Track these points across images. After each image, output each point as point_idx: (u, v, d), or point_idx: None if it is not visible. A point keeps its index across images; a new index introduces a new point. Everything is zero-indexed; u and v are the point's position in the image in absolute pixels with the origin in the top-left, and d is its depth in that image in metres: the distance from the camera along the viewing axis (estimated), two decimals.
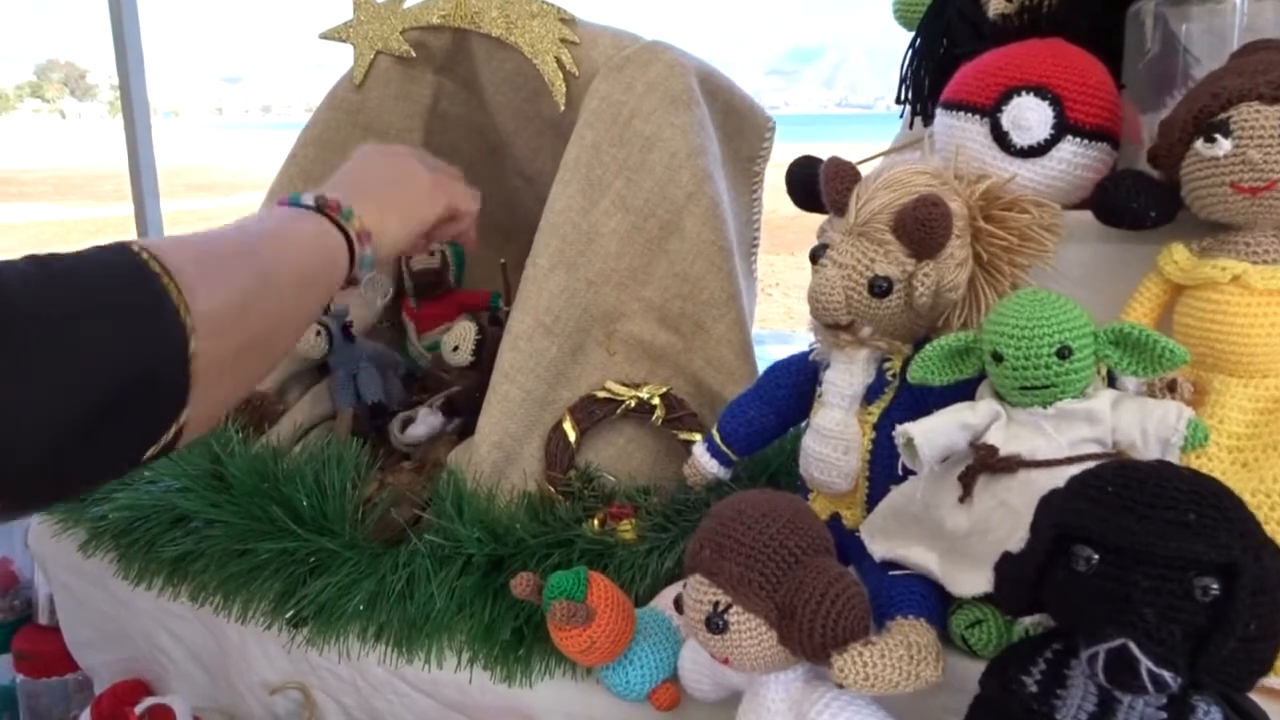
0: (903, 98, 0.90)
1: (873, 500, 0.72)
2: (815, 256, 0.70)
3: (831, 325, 0.70)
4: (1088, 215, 0.71)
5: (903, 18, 1.00)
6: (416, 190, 0.81)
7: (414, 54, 1.16)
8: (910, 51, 0.89)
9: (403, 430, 1.10)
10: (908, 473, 0.70)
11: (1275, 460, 0.62)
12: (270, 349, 0.62)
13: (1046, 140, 0.70)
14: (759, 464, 0.86)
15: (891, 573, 0.65)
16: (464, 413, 1.06)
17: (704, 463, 0.82)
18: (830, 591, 0.58)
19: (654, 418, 0.91)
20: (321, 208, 0.70)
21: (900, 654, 0.57)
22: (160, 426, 0.51)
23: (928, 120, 0.90)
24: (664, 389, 0.92)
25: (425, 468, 1.03)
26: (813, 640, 0.58)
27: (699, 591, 0.62)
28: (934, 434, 0.62)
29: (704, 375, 0.95)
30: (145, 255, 0.51)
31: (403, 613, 0.84)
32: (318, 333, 1.12)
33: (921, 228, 0.64)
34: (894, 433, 0.63)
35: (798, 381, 0.78)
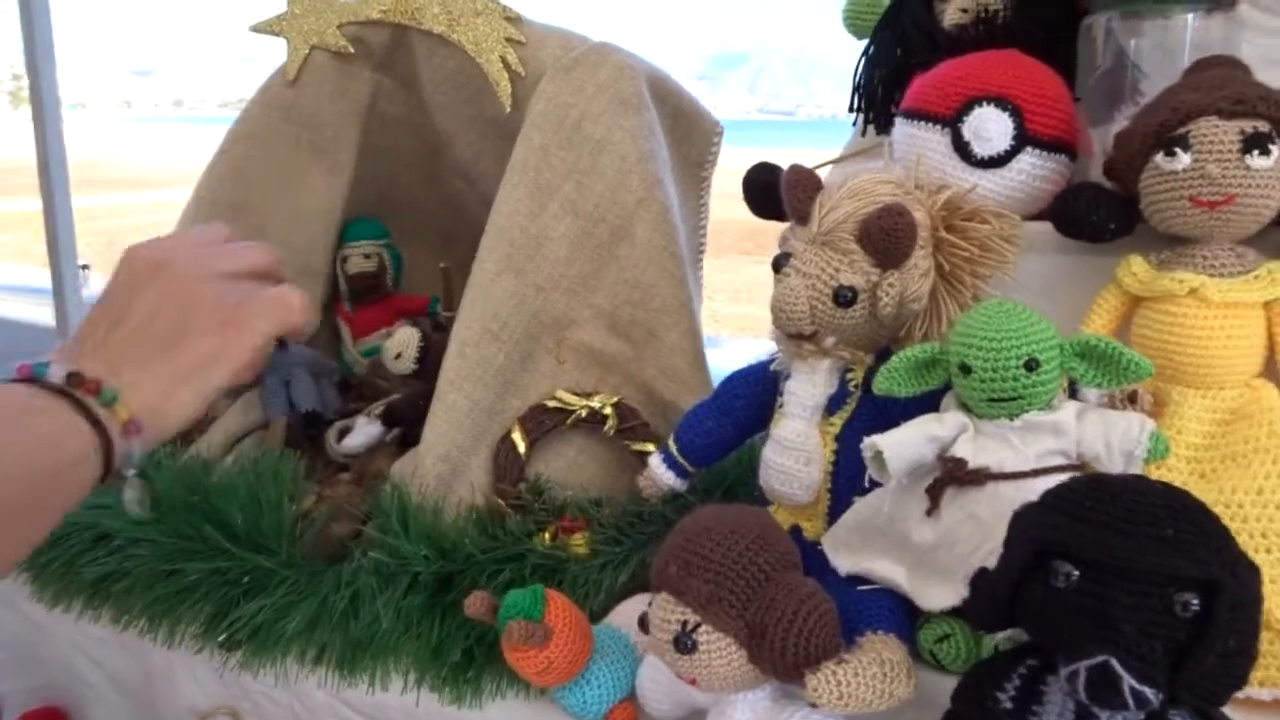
0: (856, 106, 0.90)
1: (835, 512, 0.71)
2: (778, 265, 0.69)
3: (795, 335, 0.69)
4: (1046, 226, 0.71)
5: (853, 26, 1.00)
6: (210, 341, 0.59)
7: (352, 50, 1.12)
8: (864, 60, 0.88)
9: (339, 440, 1.06)
10: (873, 484, 0.69)
11: (1233, 471, 0.63)
12: None
13: (1007, 151, 0.70)
14: (715, 476, 0.85)
15: (860, 587, 0.64)
16: (404, 422, 1.02)
17: (660, 475, 0.80)
18: (802, 609, 0.57)
19: (606, 428, 0.89)
20: (73, 388, 0.54)
21: (874, 671, 0.56)
22: None
23: (881, 129, 0.90)
24: (616, 398, 0.90)
25: (365, 480, 0.99)
26: (784, 659, 0.56)
27: (666, 610, 0.60)
28: (902, 446, 0.61)
29: (656, 384, 0.93)
30: None
31: (345, 633, 0.80)
32: None
33: (887, 237, 0.64)
34: (862, 445, 0.62)
35: (756, 392, 0.76)
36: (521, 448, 0.88)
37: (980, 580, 0.53)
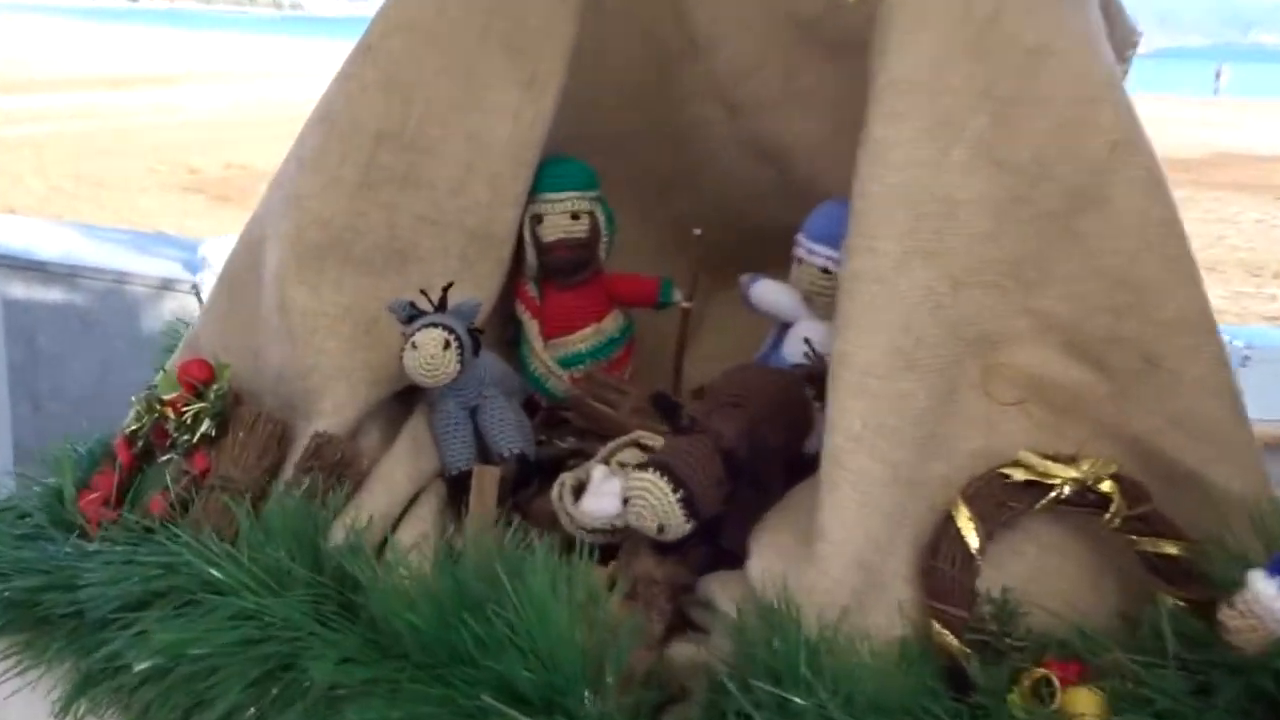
0: None
1: None
2: None
3: None
4: None
5: None
6: None
7: None
8: None
9: (576, 501, 0.70)
10: None
11: None
12: None
13: None
14: None
15: None
16: (694, 483, 0.65)
17: (1276, 608, 0.47)
18: None
19: (1111, 513, 0.55)
20: None
21: None
22: None
23: None
24: (1113, 467, 0.56)
25: (640, 587, 0.63)
26: None
27: None
28: None
29: (1162, 443, 0.58)
30: None
31: None
32: (446, 344, 0.69)
33: None
34: None
35: None
36: (974, 543, 0.54)
37: None
